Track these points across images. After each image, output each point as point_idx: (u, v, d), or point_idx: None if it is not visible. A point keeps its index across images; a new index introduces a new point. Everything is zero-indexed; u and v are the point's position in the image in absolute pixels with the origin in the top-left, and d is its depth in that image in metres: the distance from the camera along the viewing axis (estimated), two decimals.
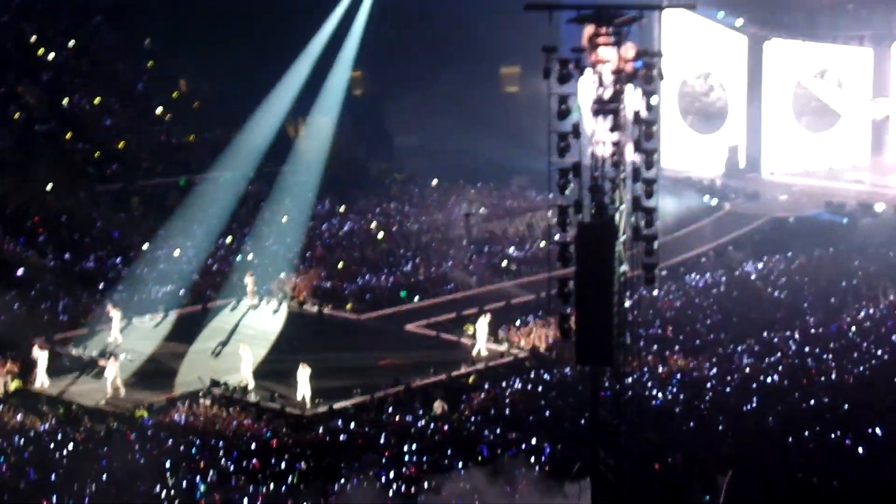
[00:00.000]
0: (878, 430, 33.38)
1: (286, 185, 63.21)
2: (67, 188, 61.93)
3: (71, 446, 35.36)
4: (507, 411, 37.50)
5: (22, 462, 34.00)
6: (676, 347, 42.89)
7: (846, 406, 35.27)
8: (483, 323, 44.73)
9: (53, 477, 32.76)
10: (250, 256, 55.59)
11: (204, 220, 58.72)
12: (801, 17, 70.47)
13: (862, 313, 45.46)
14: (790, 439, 33.26)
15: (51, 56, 71.34)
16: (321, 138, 68.62)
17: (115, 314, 46.87)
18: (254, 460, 34.35)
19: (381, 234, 60.59)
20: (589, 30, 30.07)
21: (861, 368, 38.83)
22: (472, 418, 37.20)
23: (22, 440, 35.85)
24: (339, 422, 37.84)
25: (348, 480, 31.94)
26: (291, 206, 61.42)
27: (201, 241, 56.59)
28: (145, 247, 56.20)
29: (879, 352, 40.41)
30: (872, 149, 72.68)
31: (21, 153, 62.98)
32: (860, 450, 32.35)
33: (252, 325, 49.29)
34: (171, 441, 35.82)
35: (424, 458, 33.46)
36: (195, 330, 48.77)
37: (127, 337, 46.64)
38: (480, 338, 44.43)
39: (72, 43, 72.62)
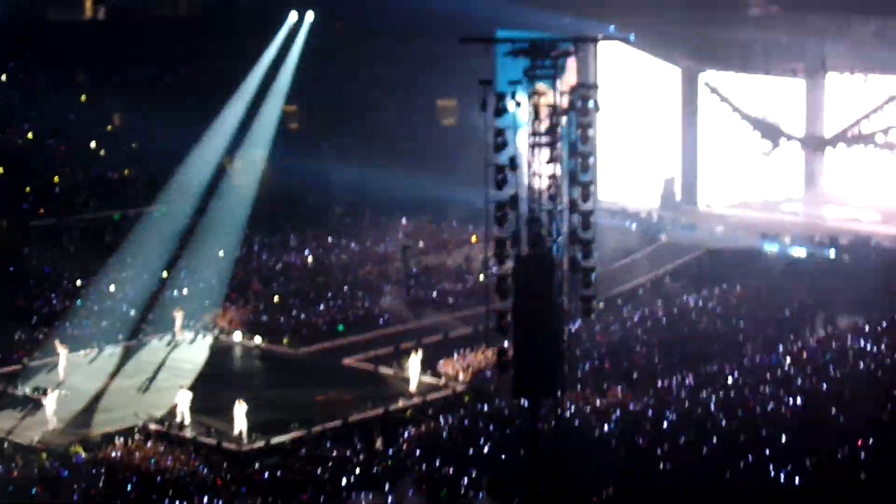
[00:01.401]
0: (812, 464, 33.79)
1: (220, 219, 63.06)
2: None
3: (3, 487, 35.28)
4: (446, 445, 37.58)
5: None
6: (614, 380, 43.10)
7: (783, 439, 35.63)
8: (415, 360, 44.83)
9: None
10: (185, 291, 55.40)
11: (139, 254, 58.54)
12: (735, 50, 71.11)
13: (798, 344, 45.96)
14: (727, 472, 33.53)
15: None
16: (254, 172, 68.64)
17: (62, 350, 46.71)
18: (192, 498, 34.36)
19: (316, 267, 60.72)
20: (527, 62, 30.25)
21: (798, 401, 39.21)
22: (412, 452, 37.32)
23: None
24: (277, 457, 37.90)
25: None
26: (225, 240, 61.28)
27: (136, 275, 56.44)
28: (79, 282, 55.99)
29: (818, 384, 40.81)
30: (806, 180, 73.45)
31: None
32: (796, 482, 32.73)
33: (187, 359, 49.16)
34: (106, 478, 35.72)
35: (363, 493, 33.56)
36: (130, 365, 48.71)
37: (67, 371, 46.44)
38: (413, 375, 44.55)
39: (3, 77, 72.21)
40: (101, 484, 35.28)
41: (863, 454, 34.29)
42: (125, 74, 70.32)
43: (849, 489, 31.98)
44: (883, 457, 34.14)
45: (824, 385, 40.39)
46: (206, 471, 36.92)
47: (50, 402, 41.84)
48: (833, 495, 31.77)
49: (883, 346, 44.64)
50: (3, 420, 42.24)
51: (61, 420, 41.79)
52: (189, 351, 50.33)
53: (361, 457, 37.05)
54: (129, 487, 34.89)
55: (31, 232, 62.44)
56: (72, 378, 46.08)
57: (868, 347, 44.79)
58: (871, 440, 34.96)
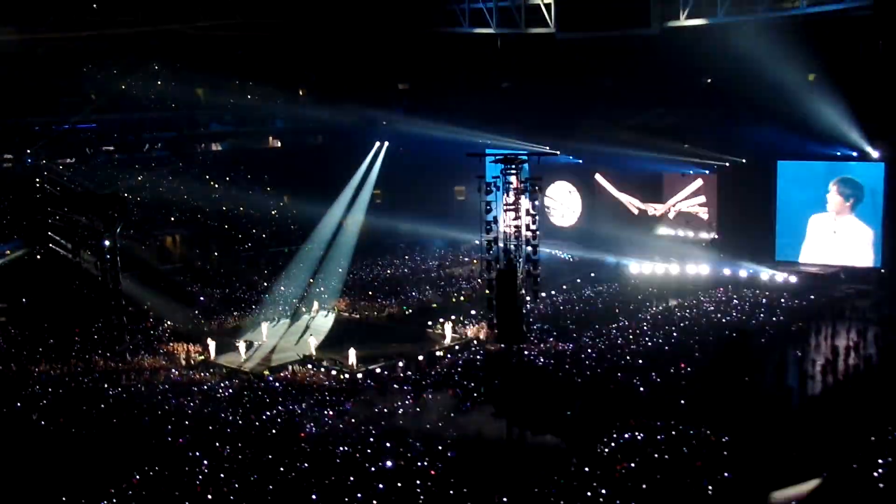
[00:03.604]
0: (656, 377, 34.25)
1: (339, 251, 63.50)
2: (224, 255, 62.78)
3: (230, 390, 35.99)
4: (461, 369, 38.02)
5: (204, 398, 34.62)
6: (550, 335, 43.36)
7: (640, 361, 36.05)
8: (447, 326, 45.21)
9: (223, 404, 33.49)
10: (321, 289, 55.87)
11: (297, 269, 59.09)
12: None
13: (646, 315, 46.05)
14: (610, 384, 34.03)
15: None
16: (358, 225, 69.09)
17: (265, 324, 47.25)
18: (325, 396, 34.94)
19: (391, 276, 61.03)
20: (502, 166, 30.92)
21: (649, 344, 39.58)
22: (443, 371, 37.78)
23: (205, 387, 36.48)
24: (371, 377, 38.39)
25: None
26: (342, 262, 61.82)
27: (296, 281, 56.93)
28: (266, 285, 56.62)
29: (657, 336, 41.06)
30: None
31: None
32: (642, 389, 33.21)
33: (322, 325, 49.63)
34: (282, 388, 36.39)
35: (417, 391, 34.14)
36: (292, 328, 49.16)
37: (262, 332, 46.85)
38: (447, 333, 44.91)
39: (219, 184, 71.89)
40: (278, 390, 35.95)
41: (682, 372, 34.83)
42: (291, 177, 70.33)
43: (677, 391, 32.46)
44: (693, 373, 34.67)
45: (660, 338, 40.70)
46: (334, 383, 37.53)
47: (244, 345, 42.77)
48: (669, 395, 32.27)
49: (691, 312, 44.82)
50: (229, 357, 42.96)
51: (257, 358, 42.43)
52: (323, 322, 50.70)
53: (417, 375, 37.55)
54: (294, 391, 35.57)
55: (240, 258, 63.15)
56: (265, 335, 46.61)
57: (686, 314, 45.05)
58: (682, 365, 35.46)
